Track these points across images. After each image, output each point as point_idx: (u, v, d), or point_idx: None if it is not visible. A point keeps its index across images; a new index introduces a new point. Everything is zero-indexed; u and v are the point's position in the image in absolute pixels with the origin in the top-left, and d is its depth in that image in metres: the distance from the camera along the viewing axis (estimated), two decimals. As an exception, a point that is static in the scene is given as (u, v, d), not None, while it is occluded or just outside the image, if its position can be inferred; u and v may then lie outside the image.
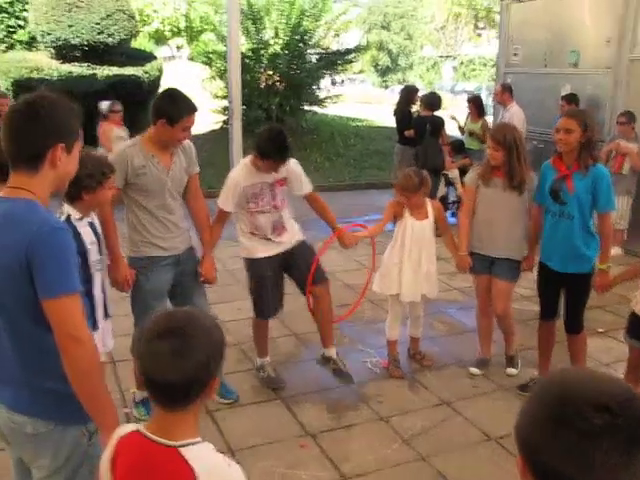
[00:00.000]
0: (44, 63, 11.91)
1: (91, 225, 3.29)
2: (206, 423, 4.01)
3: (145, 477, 1.60)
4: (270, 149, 3.95)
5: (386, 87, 41.31)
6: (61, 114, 2.01)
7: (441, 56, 46.14)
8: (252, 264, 4.33)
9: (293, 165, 4.22)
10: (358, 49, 14.73)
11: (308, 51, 13.72)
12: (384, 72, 45.99)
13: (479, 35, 47.42)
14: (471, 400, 4.34)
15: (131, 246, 3.80)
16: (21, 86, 11.40)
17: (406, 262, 4.48)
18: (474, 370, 4.67)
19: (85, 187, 3.12)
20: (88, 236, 3.23)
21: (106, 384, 2.09)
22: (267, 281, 4.32)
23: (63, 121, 2.00)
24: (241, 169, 4.18)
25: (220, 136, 12.99)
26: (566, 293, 4.11)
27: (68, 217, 3.17)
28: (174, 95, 3.61)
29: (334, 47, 15.00)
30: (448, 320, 5.77)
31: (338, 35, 14.88)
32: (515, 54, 9.36)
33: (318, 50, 14.14)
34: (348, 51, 14.67)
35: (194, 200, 4.02)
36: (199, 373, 1.57)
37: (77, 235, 3.13)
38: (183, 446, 1.59)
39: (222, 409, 4.19)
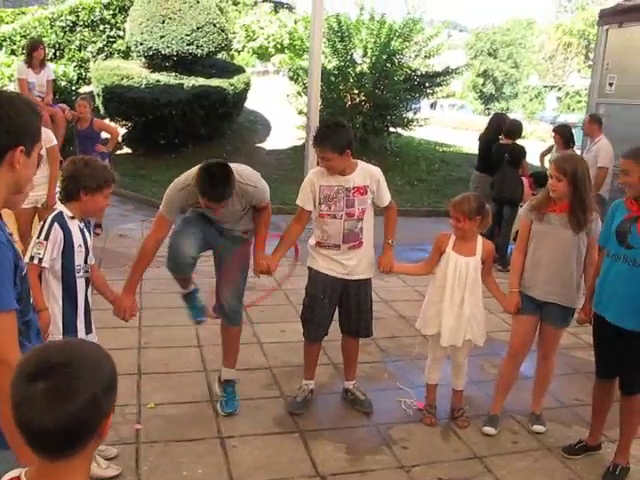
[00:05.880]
0: (135, 72, 12.22)
1: (81, 231, 3.25)
2: (214, 448, 3.80)
3: None
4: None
5: (488, 115, 40.51)
6: (22, 114, 1.87)
7: (546, 86, 44.81)
8: (310, 276, 4.22)
9: (378, 174, 4.07)
10: (447, 73, 14.33)
11: (395, 72, 13.42)
12: (488, 100, 45.11)
13: (590, 66, 45.80)
14: (507, 458, 3.89)
15: None
16: (110, 92, 11.73)
17: (447, 302, 4.06)
18: (488, 429, 4.15)
19: (85, 187, 3.14)
20: (76, 238, 3.20)
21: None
22: (318, 302, 4.16)
23: (24, 122, 1.87)
24: (316, 170, 4.09)
25: (301, 153, 12.94)
26: (623, 349, 3.58)
27: (60, 213, 3.18)
28: (211, 178, 3.56)
29: (430, 70, 14.65)
30: (501, 364, 5.28)
31: (428, 57, 14.49)
32: (610, 83, 8.75)
33: (406, 71, 13.84)
34: (437, 74, 14.30)
35: (259, 213, 4.05)
36: (86, 415, 1.31)
37: (68, 232, 3.16)
38: None
39: (235, 436, 3.94)
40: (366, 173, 4.01)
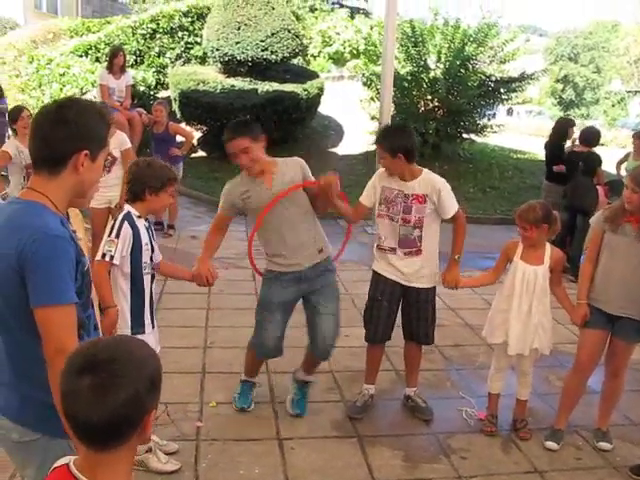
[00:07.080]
0: (210, 77, 12.52)
1: (147, 229, 3.40)
2: (272, 449, 3.85)
3: None
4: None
5: (568, 121, 39.38)
6: (90, 121, 1.98)
7: (629, 91, 43.23)
8: (372, 278, 4.31)
9: (441, 185, 4.04)
10: (523, 78, 13.99)
11: (469, 77, 13.23)
12: (567, 106, 43.91)
13: (679, 71, 43.95)
14: (570, 474, 3.78)
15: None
16: (186, 97, 12.06)
17: (514, 310, 4.00)
18: (550, 444, 4.03)
19: (150, 187, 3.30)
20: (144, 236, 3.35)
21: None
22: (376, 304, 4.23)
23: (91, 128, 1.98)
24: (382, 171, 4.15)
25: (373, 158, 12.91)
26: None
27: (129, 212, 3.33)
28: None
29: (505, 75, 14.36)
30: (567, 378, 5.13)
31: (503, 63, 14.19)
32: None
33: (480, 77, 13.61)
34: (512, 80, 13.99)
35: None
36: (128, 411, 1.37)
37: (137, 230, 3.31)
38: None
39: (293, 438, 3.99)
40: (427, 183, 4.02)
